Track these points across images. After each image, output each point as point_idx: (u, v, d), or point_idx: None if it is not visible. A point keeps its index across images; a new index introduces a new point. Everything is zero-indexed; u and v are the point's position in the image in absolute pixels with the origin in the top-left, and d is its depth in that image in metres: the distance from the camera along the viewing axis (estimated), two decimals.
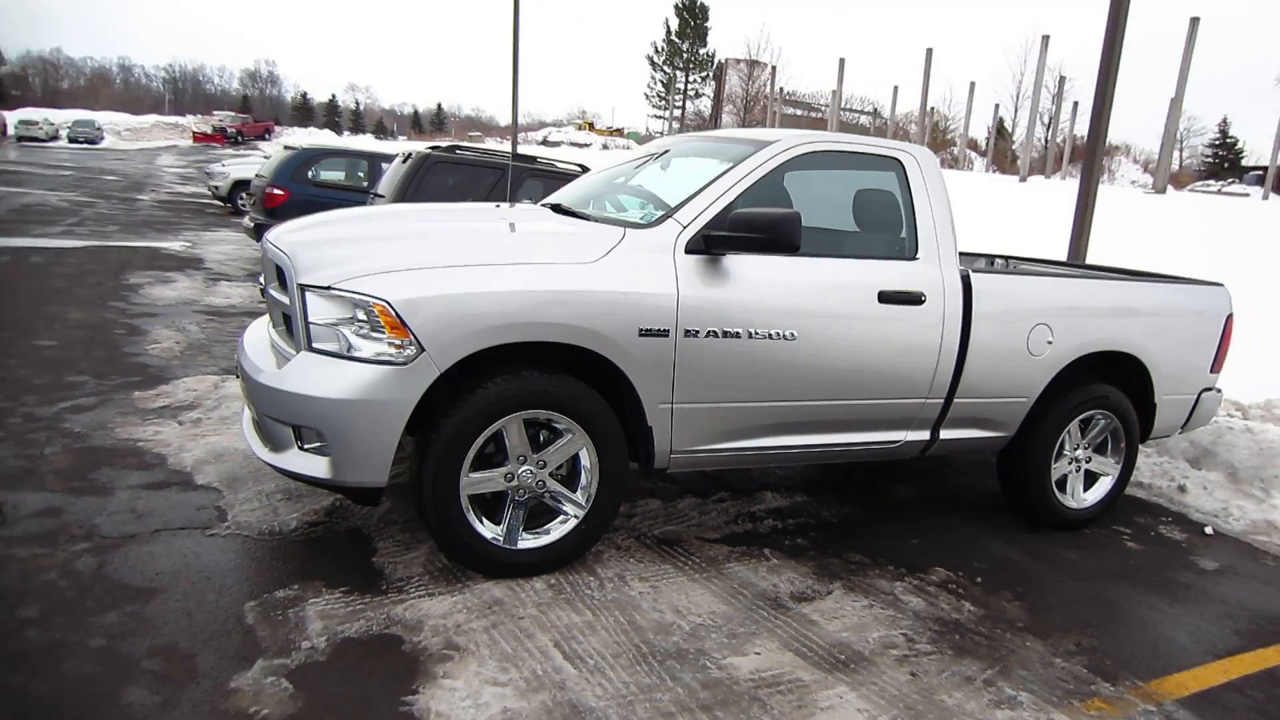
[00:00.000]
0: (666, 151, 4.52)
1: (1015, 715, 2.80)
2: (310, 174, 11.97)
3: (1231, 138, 66.60)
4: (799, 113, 58.47)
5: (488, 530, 3.33)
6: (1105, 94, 7.08)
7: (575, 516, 3.45)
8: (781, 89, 44.59)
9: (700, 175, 3.95)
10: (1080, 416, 4.50)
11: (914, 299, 3.90)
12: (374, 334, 3.06)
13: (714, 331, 3.49)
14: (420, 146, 8.12)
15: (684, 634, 3.10)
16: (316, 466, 3.14)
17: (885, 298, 3.84)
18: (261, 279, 3.98)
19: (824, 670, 2.95)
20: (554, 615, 3.14)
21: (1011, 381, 4.26)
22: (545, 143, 65.15)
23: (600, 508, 3.47)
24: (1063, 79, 39.12)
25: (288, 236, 3.56)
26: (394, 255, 3.22)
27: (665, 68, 70.91)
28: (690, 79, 67.47)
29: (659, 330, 3.40)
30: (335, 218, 4.02)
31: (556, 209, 4.07)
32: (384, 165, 12.37)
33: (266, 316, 4.03)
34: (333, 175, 12.63)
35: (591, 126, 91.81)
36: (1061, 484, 4.56)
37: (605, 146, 63.42)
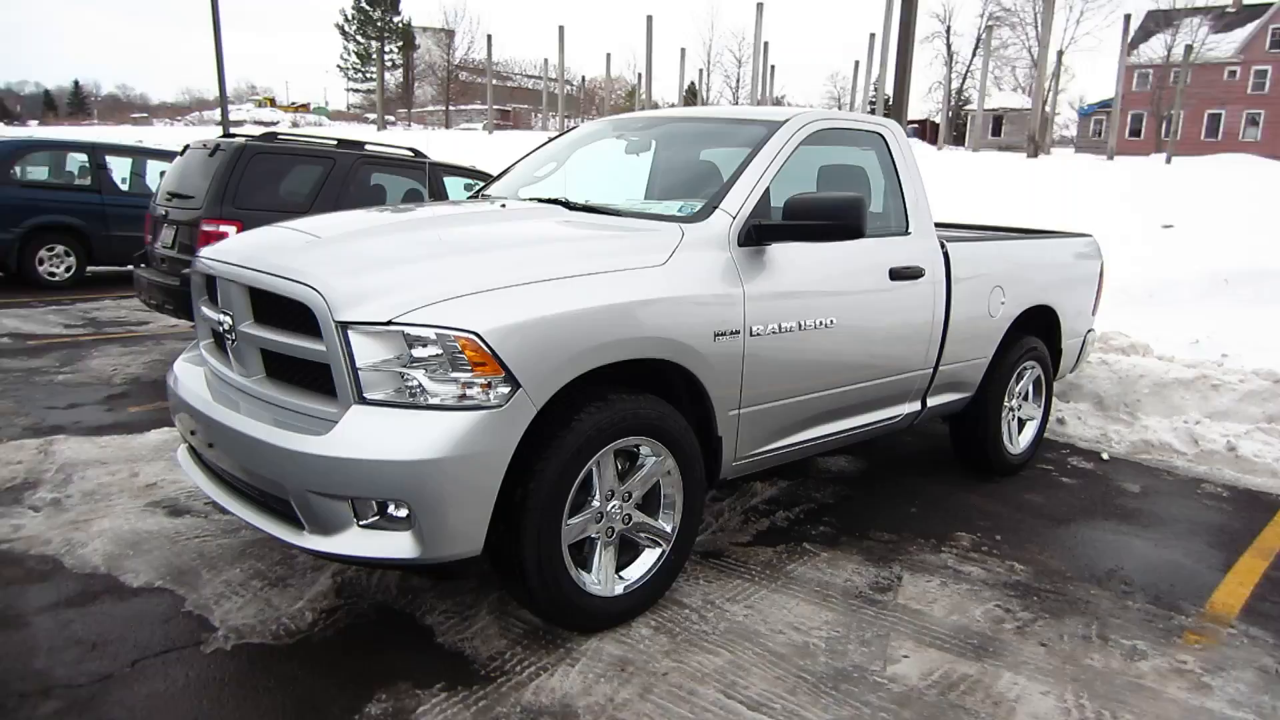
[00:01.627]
0: (639, 134, 4.16)
1: (1153, 664, 2.95)
2: (15, 172, 9.84)
3: (886, 95, 75.93)
4: (514, 84, 57.95)
5: (589, 581, 2.90)
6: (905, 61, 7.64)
7: (662, 546, 3.11)
8: (491, 59, 43.75)
9: (715, 161, 3.69)
10: (1018, 369, 4.84)
11: (916, 274, 3.94)
12: (453, 373, 2.51)
13: (774, 327, 3.29)
14: (205, 135, 6.91)
15: (825, 652, 2.91)
16: (395, 546, 2.54)
17: (894, 275, 3.84)
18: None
19: (974, 659, 2.92)
20: (692, 662, 2.81)
21: (978, 343, 4.48)
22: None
23: (686, 533, 3.16)
24: (766, 44, 42.00)
25: (290, 260, 2.80)
26: (454, 275, 2.66)
27: (358, 38, 66.79)
28: (387, 49, 64.12)
29: (731, 331, 3.13)
30: (317, 229, 3.27)
31: (568, 205, 3.59)
32: (108, 159, 10.51)
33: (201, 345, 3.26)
34: (37, 173, 10.49)
35: (272, 103, 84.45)
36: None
37: (295, 124, 58.64)
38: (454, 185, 7.33)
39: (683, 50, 42.02)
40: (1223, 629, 3.23)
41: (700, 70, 54.61)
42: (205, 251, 3.22)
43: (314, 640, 2.86)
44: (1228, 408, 5.50)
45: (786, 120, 3.66)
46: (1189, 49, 44.39)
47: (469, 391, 2.52)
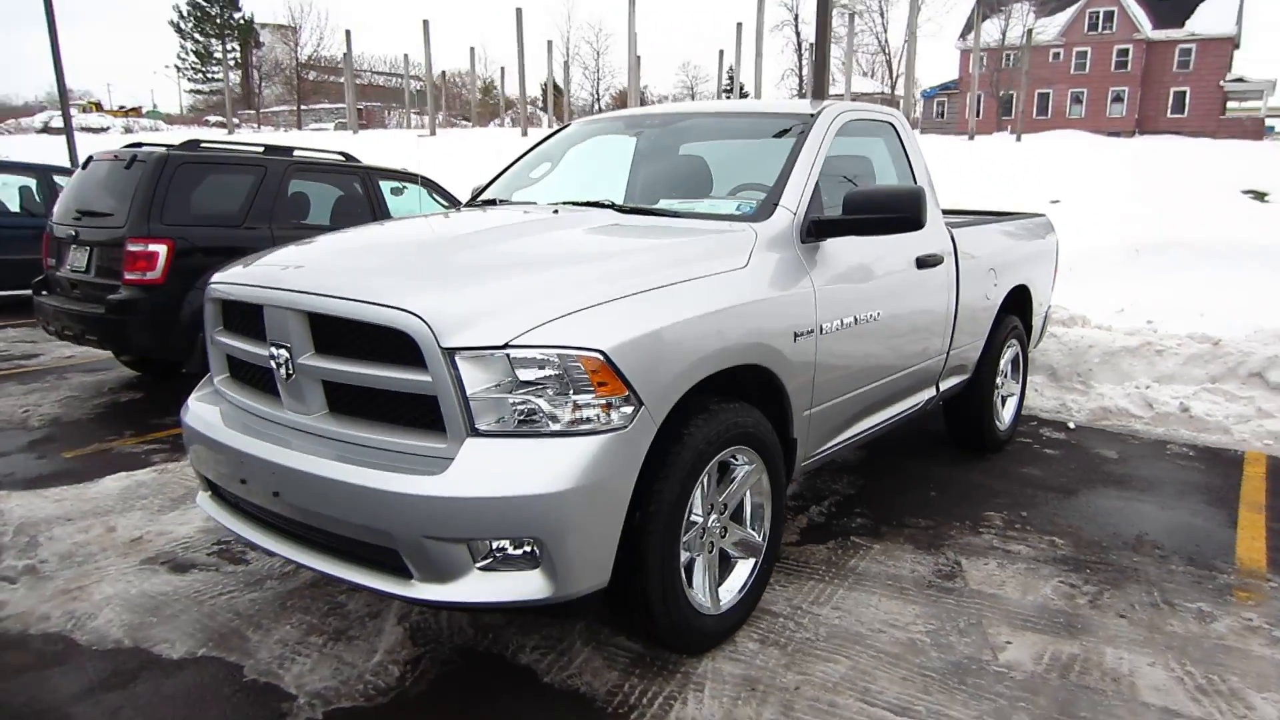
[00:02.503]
0: (658, 131, 4.01)
1: (1226, 625, 3.09)
2: None
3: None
4: (364, 80, 55.76)
5: (698, 600, 2.77)
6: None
7: (754, 556, 3.02)
8: (350, 56, 41.69)
9: (752, 158, 3.61)
10: (1004, 348, 5.01)
11: (937, 261, 4.00)
12: (574, 396, 2.33)
13: (838, 323, 3.26)
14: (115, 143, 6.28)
15: (933, 647, 2.90)
16: (526, 587, 2.34)
17: (920, 263, 3.87)
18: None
19: (1072, 637, 2.98)
20: (816, 672, 2.74)
21: (979, 326, 4.60)
22: (47, 129, 54.07)
23: (774, 541, 3.08)
24: (636, 35, 41.96)
25: (371, 282, 2.53)
26: (558, 291, 2.48)
27: (196, 35, 62.63)
28: (229, 47, 60.43)
29: (808, 330, 3.08)
30: (370, 248, 3.01)
31: (618, 208, 3.41)
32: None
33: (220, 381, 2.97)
34: None
35: (98, 107, 78.14)
36: None
37: (128, 129, 54.42)
38: (387, 190, 6.94)
39: (549, 43, 41.31)
40: (1264, 584, 3.43)
41: (564, 63, 54.22)
42: (238, 277, 2.88)
43: (411, 696, 2.62)
44: (1173, 371, 5.88)
45: (819, 113, 3.62)
46: (1030, 33, 47.49)
47: (592, 414, 2.35)
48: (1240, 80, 55.55)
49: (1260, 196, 14.20)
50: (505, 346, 2.31)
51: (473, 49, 43.82)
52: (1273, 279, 8.07)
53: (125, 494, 4.22)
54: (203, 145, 5.99)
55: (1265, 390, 5.51)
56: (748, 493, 2.99)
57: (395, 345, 2.39)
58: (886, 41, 52.40)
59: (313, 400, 2.61)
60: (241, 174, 6.00)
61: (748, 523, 3.02)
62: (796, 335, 3.01)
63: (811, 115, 3.60)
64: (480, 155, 19.64)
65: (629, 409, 2.39)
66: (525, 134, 32.19)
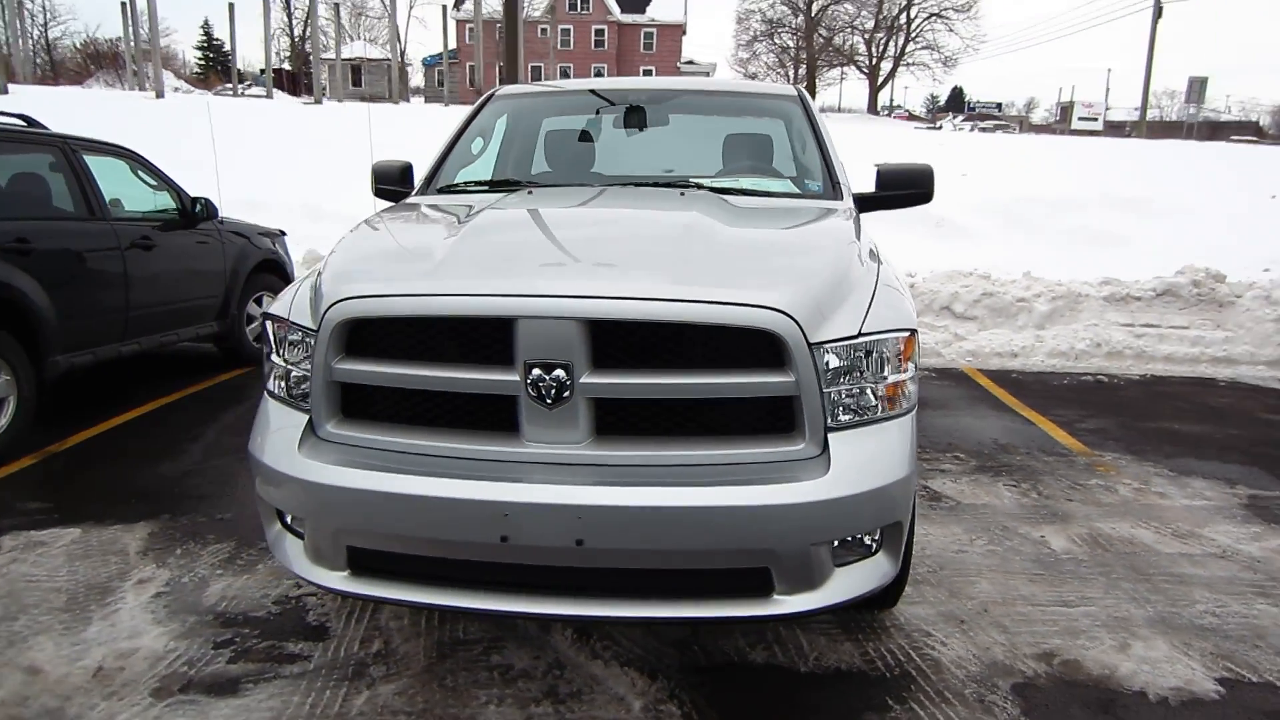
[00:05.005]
0: (655, 108, 3.77)
1: (1123, 490, 4.17)
2: None
3: (218, 40, 70.38)
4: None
5: None
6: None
7: None
8: None
9: (769, 134, 3.69)
10: None
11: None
12: (891, 376, 2.37)
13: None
14: None
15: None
16: (873, 575, 2.35)
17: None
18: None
19: (1039, 517, 3.78)
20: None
21: None
22: None
23: None
24: None
25: (693, 275, 2.19)
26: (839, 278, 2.43)
27: None
28: None
29: None
30: (583, 238, 2.50)
31: (714, 189, 3.21)
32: None
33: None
34: None
35: None
36: None
37: None
38: (104, 167, 5.28)
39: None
40: (1104, 457, 4.65)
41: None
42: (427, 286, 2.22)
43: None
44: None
45: (798, 93, 3.83)
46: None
47: (903, 391, 2.40)
48: (691, 63, 65.97)
49: None
50: (858, 336, 2.25)
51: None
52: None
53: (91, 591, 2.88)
54: None
55: (953, 319, 7.13)
56: None
57: (738, 348, 2.16)
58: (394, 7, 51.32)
59: (584, 425, 2.19)
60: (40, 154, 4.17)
61: None
62: None
63: (795, 96, 3.81)
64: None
65: (914, 386, 2.48)
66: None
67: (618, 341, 2.16)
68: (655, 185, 3.31)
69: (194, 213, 5.90)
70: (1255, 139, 47.07)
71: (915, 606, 3.01)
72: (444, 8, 50.37)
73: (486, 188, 3.44)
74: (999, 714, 2.46)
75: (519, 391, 2.16)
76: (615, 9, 63.03)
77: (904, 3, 61.67)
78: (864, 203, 3.48)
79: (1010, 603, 3.07)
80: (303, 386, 2.41)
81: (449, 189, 3.49)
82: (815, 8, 63.56)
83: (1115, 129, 53.40)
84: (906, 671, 2.66)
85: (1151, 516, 3.85)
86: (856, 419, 2.27)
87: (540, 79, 61.41)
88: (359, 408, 2.35)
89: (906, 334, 2.36)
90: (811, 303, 2.21)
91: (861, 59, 66.20)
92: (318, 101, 34.39)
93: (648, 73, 64.57)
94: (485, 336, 2.19)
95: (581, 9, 62.28)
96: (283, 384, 2.48)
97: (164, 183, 5.86)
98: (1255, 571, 3.34)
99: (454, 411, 2.28)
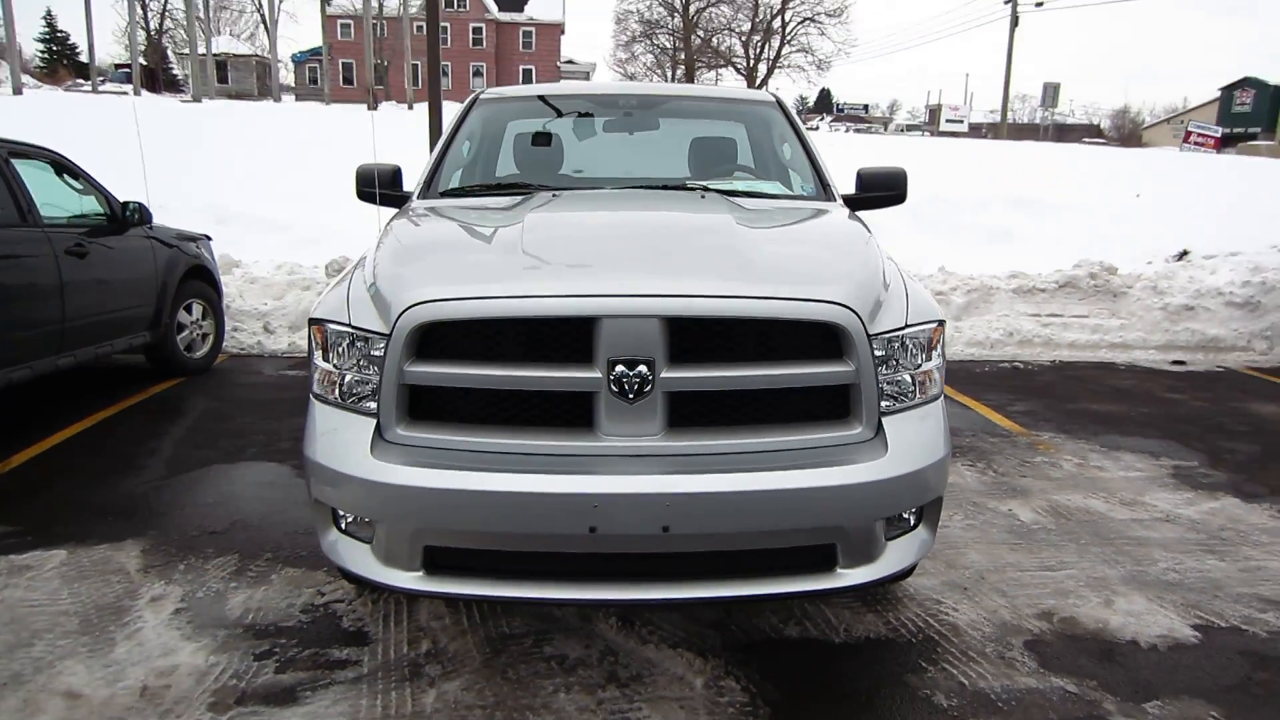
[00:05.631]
0: (631, 114, 3.88)
1: (1065, 465, 4.56)
2: None
3: (62, 32, 65.81)
4: None
5: None
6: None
7: None
8: None
9: (730, 140, 3.86)
10: None
11: None
12: (924, 364, 2.59)
13: None
14: None
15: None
16: (915, 547, 2.57)
17: None
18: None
19: (999, 493, 4.12)
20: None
21: None
22: None
23: None
24: None
25: (748, 273, 2.35)
26: (869, 271, 2.62)
27: None
28: None
29: None
30: (640, 238, 2.61)
31: (700, 189, 3.33)
32: None
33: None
34: None
35: None
36: None
37: None
38: (29, 170, 4.95)
39: None
40: (1042, 437, 5.06)
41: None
42: (510, 288, 2.28)
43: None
44: None
45: (776, 98, 4.02)
46: (381, 6, 48.97)
47: (937, 376, 2.62)
48: (571, 62, 66.00)
49: None
50: (905, 326, 2.45)
51: None
52: None
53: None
54: None
55: None
56: None
57: (801, 340, 2.32)
58: (262, 3, 49.24)
59: (660, 417, 2.30)
60: None
61: None
62: None
63: (774, 101, 4.00)
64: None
65: (940, 374, 2.70)
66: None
67: (692, 337, 2.28)
68: (665, 188, 3.43)
69: (125, 218, 5.62)
70: (1103, 141, 50.97)
71: (921, 578, 3.25)
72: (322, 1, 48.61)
73: (495, 191, 3.47)
74: (1020, 668, 2.71)
75: (599, 388, 2.26)
76: (493, 7, 62.40)
77: (778, 6, 63.61)
78: (849, 204, 3.70)
79: (1001, 570, 3.35)
80: (360, 390, 2.42)
81: (454, 192, 3.51)
82: (692, 10, 64.75)
83: (974, 131, 56.74)
84: (929, 636, 2.88)
85: (1097, 488, 4.25)
86: (902, 403, 2.47)
87: (419, 76, 60.10)
88: (426, 409, 2.38)
89: (937, 324, 2.58)
90: (868, 297, 2.40)
91: (739, 61, 67.89)
92: (196, 99, 32.63)
93: (527, 71, 64.24)
94: (565, 336, 2.27)
95: (458, 6, 61.30)
96: (336, 388, 2.47)
97: (91, 186, 5.56)
98: (1198, 532, 3.75)
99: (527, 409, 2.35)
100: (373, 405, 2.39)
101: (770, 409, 2.38)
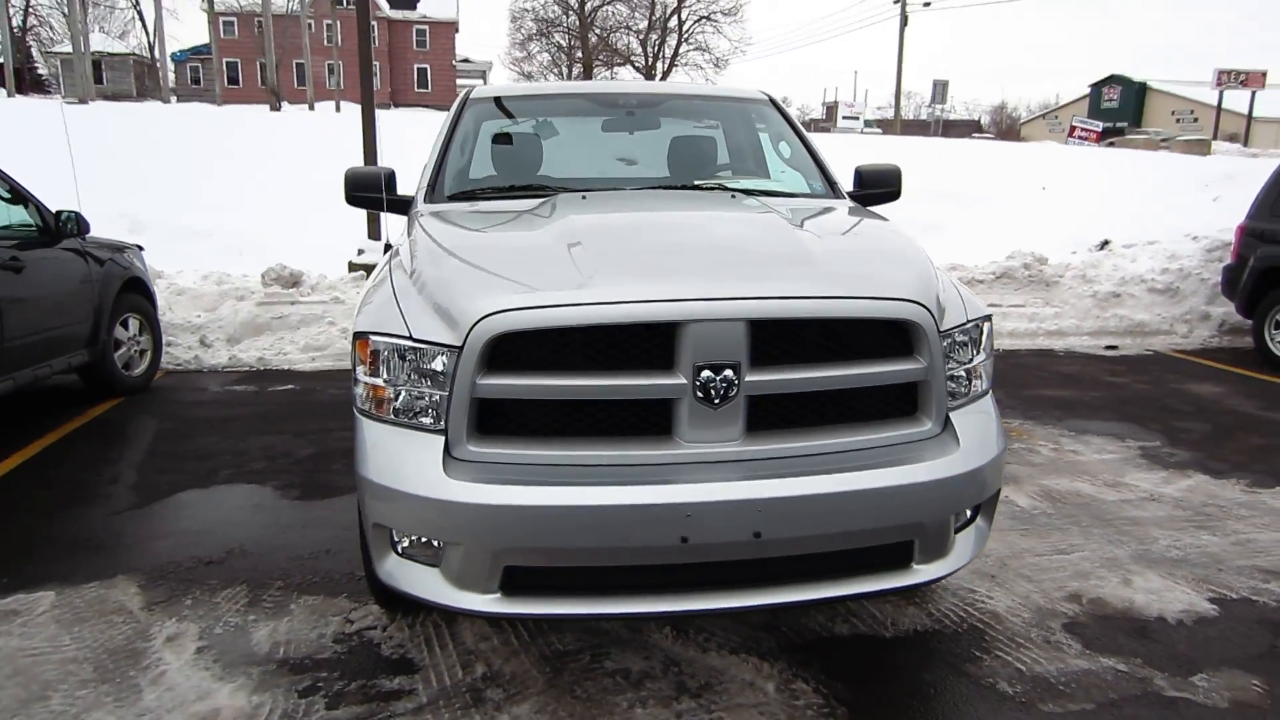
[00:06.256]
0: (634, 113, 3.81)
1: (1042, 452, 4.74)
2: None
3: None
4: None
5: None
6: None
7: None
8: None
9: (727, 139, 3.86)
10: None
11: None
12: (975, 358, 2.64)
13: None
14: None
15: None
16: (978, 540, 2.63)
17: None
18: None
19: None
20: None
21: None
22: None
23: None
24: None
25: (817, 272, 2.35)
26: (921, 267, 2.65)
27: None
28: None
29: None
30: (708, 242, 2.60)
31: (747, 192, 3.30)
32: None
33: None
34: None
35: None
36: None
37: None
38: None
39: None
40: (1013, 422, 5.23)
41: None
42: (592, 295, 2.20)
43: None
44: None
45: (769, 96, 4.04)
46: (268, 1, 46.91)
47: (984, 372, 2.67)
48: (466, 60, 64.97)
49: None
50: (966, 322, 2.49)
51: None
52: None
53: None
54: None
55: None
56: None
57: (874, 339, 2.33)
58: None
59: (740, 422, 2.27)
60: None
61: None
62: None
63: (767, 98, 4.01)
64: None
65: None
66: None
67: (771, 339, 2.26)
68: (686, 188, 3.40)
69: (59, 228, 5.23)
70: (991, 136, 53.35)
71: None
72: None
73: (510, 193, 3.36)
74: (1068, 650, 2.80)
75: (683, 394, 2.21)
76: (384, 5, 60.82)
77: (674, 5, 64.09)
78: (857, 199, 3.74)
79: (1019, 556, 3.45)
80: (420, 405, 2.30)
81: (464, 196, 3.38)
82: (588, 7, 64.62)
83: (868, 127, 58.61)
84: (973, 625, 2.94)
85: (1079, 471, 4.43)
86: (962, 399, 2.51)
87: (306, 75, 58.06)
88: (493, 423, 2.28)
89: (987, 319, 2.63)
90: (935, 295, 2.43)
91: (638, 59, 68.16)
92: (81, 101, 30.60)
93: (422, 71, 62.96)
94: (645, 342, 2.22)
95: (348, 3, 59.52)
96: (390, 405, 2.35)
97: (19, 195, 5.14)
98: (1183, 509, 3.95)
99: (600, 418, 2.28)
100: (430, 420, 2.28)
101: (844, 409, 2.38)
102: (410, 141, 8.85)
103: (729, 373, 2.20)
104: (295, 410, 5.54)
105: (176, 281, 8.11)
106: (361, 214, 9.01)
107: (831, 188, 3.63)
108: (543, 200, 3.12)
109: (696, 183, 3.47)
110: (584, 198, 3.05)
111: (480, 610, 2.26)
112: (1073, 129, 33.32)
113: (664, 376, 2.21)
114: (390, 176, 3.54)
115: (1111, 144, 28.79)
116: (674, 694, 2.54)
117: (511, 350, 2.22)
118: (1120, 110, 54.22)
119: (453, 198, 3.38)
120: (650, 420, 2.27)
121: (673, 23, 64.93)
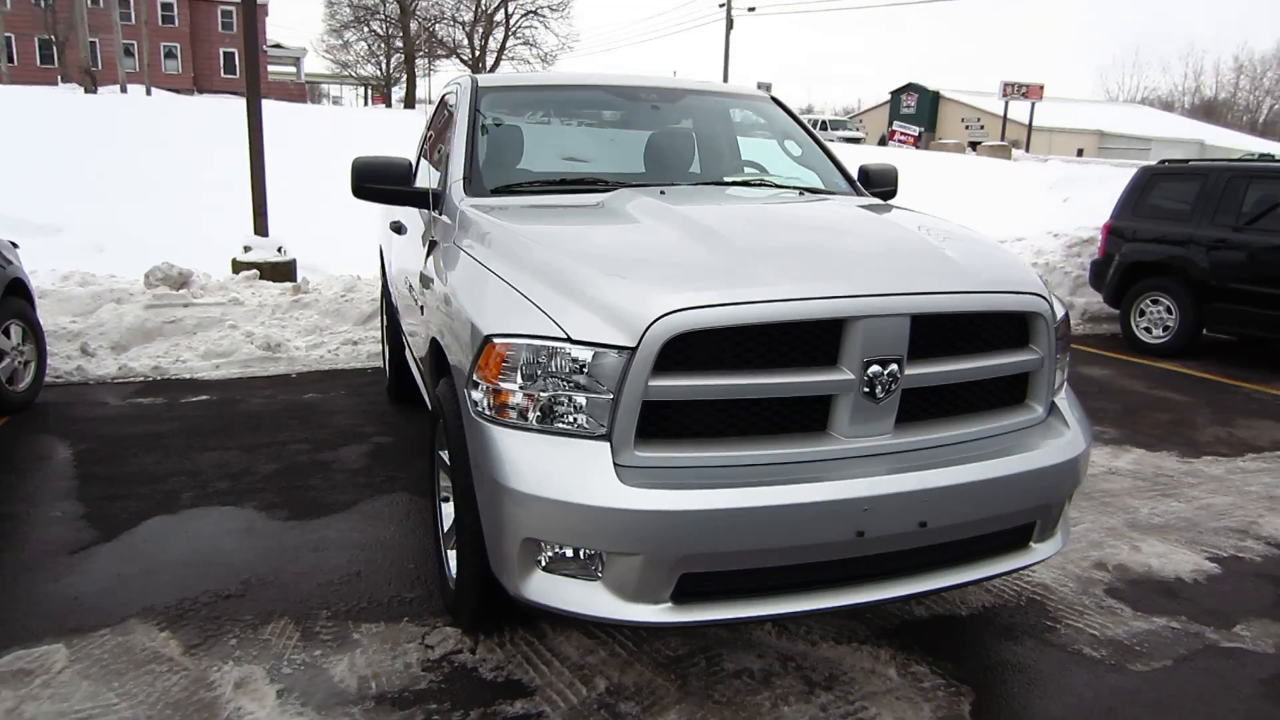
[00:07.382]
0: (659, 108, 3.72)
1: None
2: None
3: None
4: None
5: None
6: None
7: None
8: None
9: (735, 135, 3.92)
10: None
11: None
12: (1065, 345, 2.82)
13: None
14: None
15: None
16: (1070, 517, 2.79)
17: None
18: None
19: None
20: None
21: None
22: None
23: None
24: None
25: (958, 266, 2.46)
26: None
27: None
28: None
29: None
30: (830, 243, 2.67)
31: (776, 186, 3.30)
32: None
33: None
34: None
35: None
36: None
37: None
38: None
39: None
40: None
41: None
42: (765, 292, 2.17)
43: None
44: None
45: (769, 93, 4.10)
46: None
47: (1065, 359, 2.84)
48: (279, 46, 61.22)
49: None
50: (1063, 315, 2.65)
51: None
52: None
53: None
54: None
55: None
56: None
57: (999, 331, 2.45)
58: None
59: (893, 415, 2.32)
60: None
61: None
62: None
63: (767, 95, 4.08)
64: None
65: None
66: None
67: (925, 334, 2.31)
68: (739, 184, 3.41)
69: None
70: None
71: None
72: None
73: (560, 188, 3.23)
74: (1121, 613, 3.04)
75: (849, 389, 2.22)
76: None
77: None
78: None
79: None
80: (571, 409, 2.19)
81: (509, 189, 3.21)
82: None
83: None
84: (1032, 598, 3.14)
85: None
86: (1059, 386, 2.68)
87: (98, 56, 52.82)
88: (656, 426, 2.20)
89: (1066, 313, 2.81)
90: (1035, 284, 2.56)
91: (464, 51, 66.65)
92: None
93: (229, 55, 58.79)
94: (811, 339, 2.21)
95: None
96: (536, 410, 2.21)
97: None
98: (1142, 480, 4.37)
99: (759, 416, 2.25)
100: (590, 425, 2.17)
101: (974, 398, 2.47)
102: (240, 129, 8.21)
103: (894, 367, 2.24)
104: (227, 423, 5.05)
105: (34, 283, 7.17)
106: (244, 207, 8.33)
107: (852, 184, 3.73)
108: (606, 194, 3.03)
109: (742, 179, 3.49)
110: (662, 193, 2.98)
111: (653, 621, 2.18)
112: (892, 133, 35.84)
113: (831, 372, 2.22)
114: (408, 167, 3.32)
115: (924, 147, 31.18)
116: (806, 689, 2.55)
117: (683, 350, 2.15)
118: (917, 116, 58.45)
119: (496, 192, 3.20)
120: (809, 416, 2.27)
121: (499, 16, 64.11)
